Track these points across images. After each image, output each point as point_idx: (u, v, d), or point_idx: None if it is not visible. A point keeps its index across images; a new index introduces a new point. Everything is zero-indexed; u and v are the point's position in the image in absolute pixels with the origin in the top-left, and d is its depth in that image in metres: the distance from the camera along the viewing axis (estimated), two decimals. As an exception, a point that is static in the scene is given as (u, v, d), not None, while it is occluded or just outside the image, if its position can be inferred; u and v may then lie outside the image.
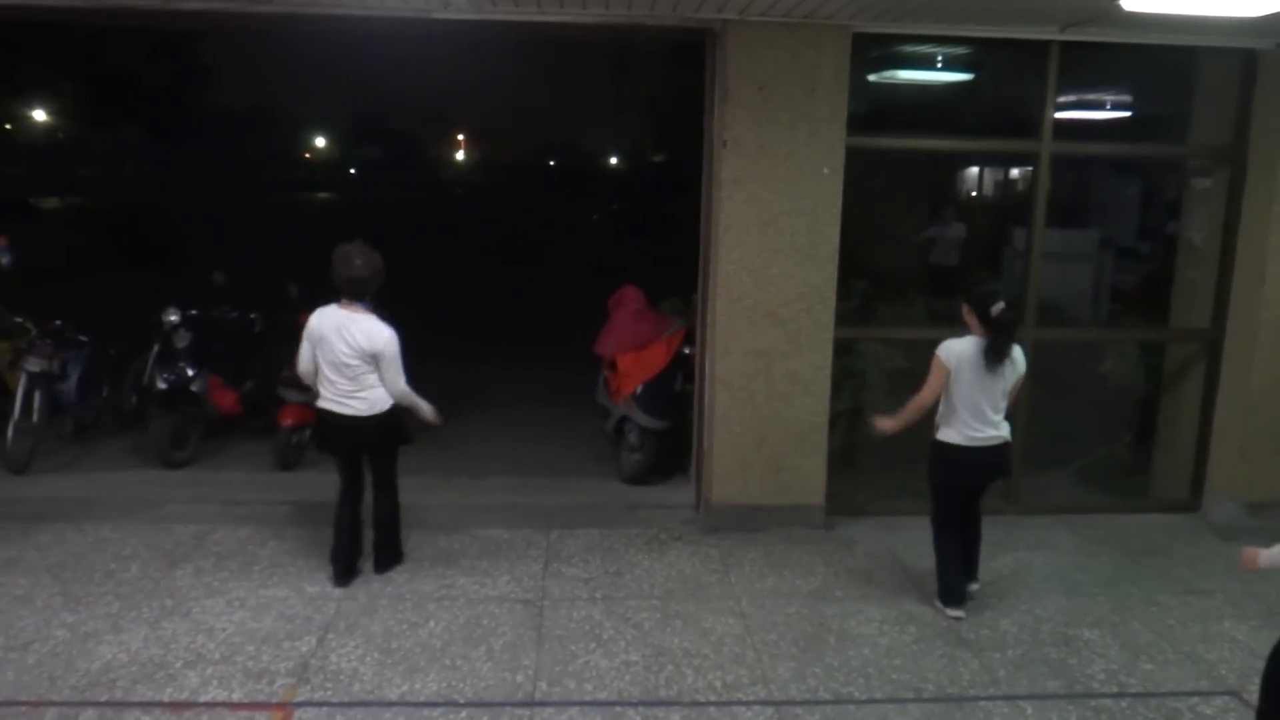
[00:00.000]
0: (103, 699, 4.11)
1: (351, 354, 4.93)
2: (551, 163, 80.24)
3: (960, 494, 5.06)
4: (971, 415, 4.78)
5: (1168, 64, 6.68)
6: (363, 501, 5.33)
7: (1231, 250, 6.32)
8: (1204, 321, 6.54)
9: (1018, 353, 4.85)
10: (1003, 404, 4.85)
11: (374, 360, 4.97)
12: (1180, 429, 6.81)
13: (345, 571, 5.26)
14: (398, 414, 5.16)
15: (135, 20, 6.14)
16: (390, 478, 5.39)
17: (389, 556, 5.46)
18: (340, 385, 5.01)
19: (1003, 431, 4.88)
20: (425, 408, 5.26)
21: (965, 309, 4.80)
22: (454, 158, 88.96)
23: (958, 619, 5.00)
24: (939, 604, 5.10)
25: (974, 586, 5.25)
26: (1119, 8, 4.68)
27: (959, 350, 4.77)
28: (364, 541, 5.42)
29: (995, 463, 4.93)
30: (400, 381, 5.06)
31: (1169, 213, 8.38)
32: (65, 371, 7.20)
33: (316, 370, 5.08)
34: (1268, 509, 6.15)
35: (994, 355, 4.71)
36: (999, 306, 4.68)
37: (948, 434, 4.87)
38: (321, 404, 5.12)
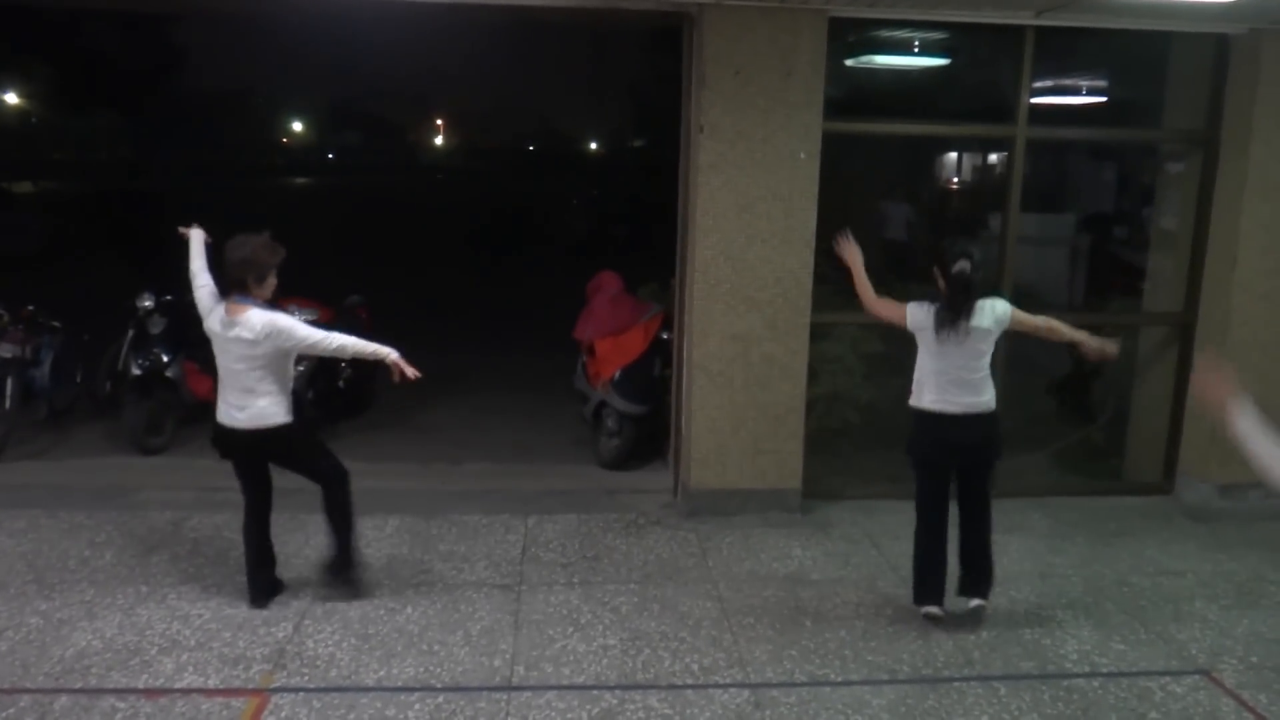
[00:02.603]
0: (77, 686, 4.09)
1: (241, 359, 4.47)
2: (531, 148, 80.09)
3: (939, 471, 4.72)
4: (940, 380, 4.53)
5: (1142, 49, 6.71)
6: (269, 518, 4.85)
7: (1204, 234, 6.37)
8: (1177, 305, 6.60)
9: (986, 311, 4.48)
10: (978, 369, 4.51)
11: (273, 356, 4.46)
12: (1153, 412, 6.87)
13: (260, 593, 4.80)
14: (286, 432, 4.61)
15: (110, 2, 6.07)
16: (323, 473, 4.79)
17: (337, 569, 4.84)
18: (228, 395, 4.56)
19: (982, 398, 4.54)
20: (374, 349, 4.58)
21: (935, 271, 4.57)
22: (433, 142, 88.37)
23: (931, 616, 4.74)
24: (914, 604, 4.86)
25: (974, 604, 4.76)
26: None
27: (919, 315, 4.56)
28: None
29: (974, 435, 4.57)
30: (330, 340, 4.52)
31: (1144, 197, 8.43)
32: (38, 357, 7.17)
33: None
34: (1239, 491, 6.22)
35: (949, 314, 4.44)
36: (960, 264, 4.44)
37: (920, 398, 4.62)
38: (218, 414, 4.63)
